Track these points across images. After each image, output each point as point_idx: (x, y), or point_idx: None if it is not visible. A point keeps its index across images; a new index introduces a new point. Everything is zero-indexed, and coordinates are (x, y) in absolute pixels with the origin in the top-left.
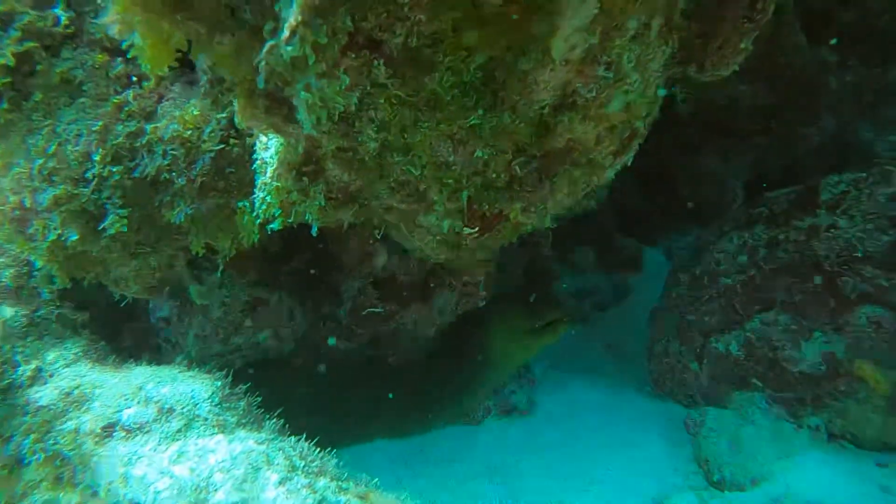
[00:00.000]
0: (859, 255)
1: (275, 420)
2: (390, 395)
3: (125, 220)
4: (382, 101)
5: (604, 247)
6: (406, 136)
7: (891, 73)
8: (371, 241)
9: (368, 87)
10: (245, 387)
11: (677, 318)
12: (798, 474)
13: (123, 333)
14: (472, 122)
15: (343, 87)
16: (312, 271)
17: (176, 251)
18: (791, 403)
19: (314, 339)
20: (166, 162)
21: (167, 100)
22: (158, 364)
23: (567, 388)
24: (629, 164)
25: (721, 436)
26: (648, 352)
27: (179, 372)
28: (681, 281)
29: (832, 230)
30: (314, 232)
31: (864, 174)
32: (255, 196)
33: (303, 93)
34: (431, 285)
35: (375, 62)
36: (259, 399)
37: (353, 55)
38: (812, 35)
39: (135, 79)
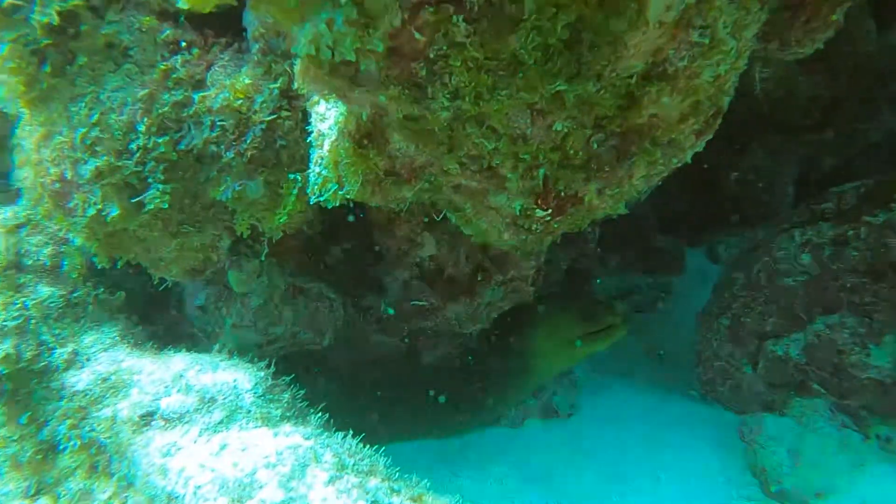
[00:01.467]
0: None
1: (320, 414)
2: (430, 394)
3: (167, 196)
4: (459, 63)
5: (645, 247)
6: (482, 104)
7: None
8: (419, 231)
9: (445, 48)
10: (289, 378)
11: (730, 320)
12: (870, 489)
13: (157, 322)
14: (556, 89)
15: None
16: (355, 261)
17: (220, 231)
18: (857, 412)
19: (355, 332)
20: (214, 134)
21: (217, 67)
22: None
23: (610, 392)
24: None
25: (780, 444)
26: (697, 355)
27: (221, 360)
28: (735, 281)
29: None
30: (361, 214)
31: None
32: (309, 171)
33: (378, 42)
34: (479, 278)
35: (454, 17)
36: (303, 392)
37: (431, 8)
38: (881, 19)
39: (184, 44)
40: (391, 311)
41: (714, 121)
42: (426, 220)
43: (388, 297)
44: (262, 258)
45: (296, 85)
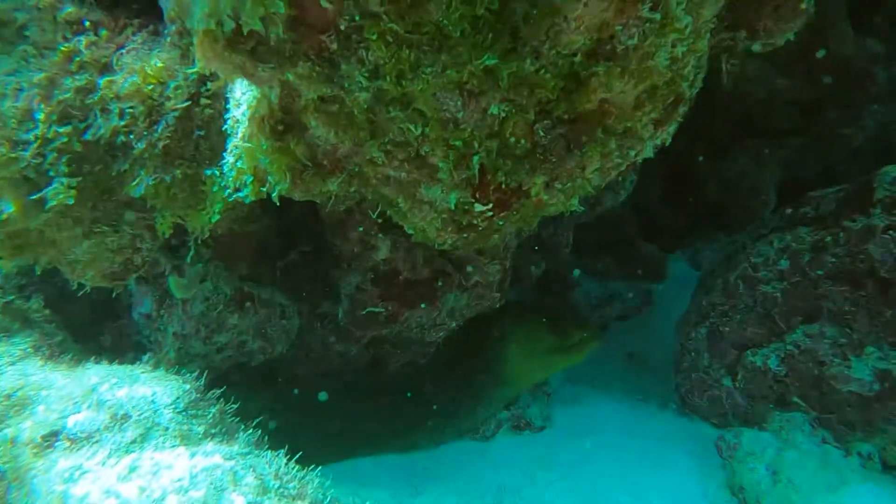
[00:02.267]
0: None
1: (251, 431)
2: (393, 406)
3: (73, 191)
4: (375, 37)
5: (625, 253)
6: (404, 83)
7: None
8: (373, 232)
9: (357, 17)
10: (219, 391)
11: (708, 329)
12: None
13: (105, 331)
14: (486, 64)
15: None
16: (313, 265)
17: (140, 231)
18: (837, 427)
19: (313, 340)
20: (123, 122)
21: (127, 51)
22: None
23: (585, 402)
24: (668, 142)
25: (759, 461)
26: (675, 365)
27: (142, 372)
28: (712, 288)
29: (890, 232)
30: (274, 200)
31: None
32: (224, 161)
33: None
34: (439, 283)
35: None
36: (236, 406)
37: None
38: (858, 23)
39: (88, 23)
40: (343, 318)
41: (674, 109)
42: (380, 220)
43: (342, 304)
44: (193, 261)
45: (198, 65)
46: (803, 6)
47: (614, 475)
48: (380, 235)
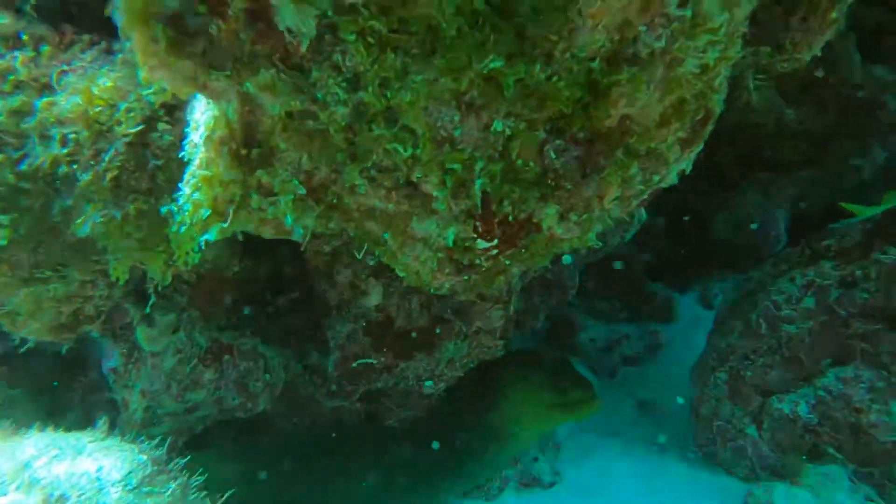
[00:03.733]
0: None
1: None
2: (389, 465)
3: (5, 230)
4: (352, 37)
5: (632, 293)
6: (390, 95)
7: None
8: (363, 276)
9: (329, 13)
10: (184, 461)
11: (727, 373)
12: None
13: (75, 387)
14: (489, 68)
15: None
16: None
17: (91, 276)
18: (881, 482)
19: (302, 394)
20: (65, 150)
21: (73, 69)
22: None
23: (597, 455)
24: (688, 170)
25: None
26: (693, 413)
27: (90, 441)
28: (731, 329)
29: None
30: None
31: None
32: (180, 193)
33: None
34: (437, 331)
35: None
36: (203, 478)
37: None
38: (865, 51)
39: (26, 37)
40: (333, 371)
41: (703, 128)
42: (372, 262)
43: (332, 355)
44: (174, 312)
45: (141, 76)
46: (834, 15)
47: None
48: (371, 279)
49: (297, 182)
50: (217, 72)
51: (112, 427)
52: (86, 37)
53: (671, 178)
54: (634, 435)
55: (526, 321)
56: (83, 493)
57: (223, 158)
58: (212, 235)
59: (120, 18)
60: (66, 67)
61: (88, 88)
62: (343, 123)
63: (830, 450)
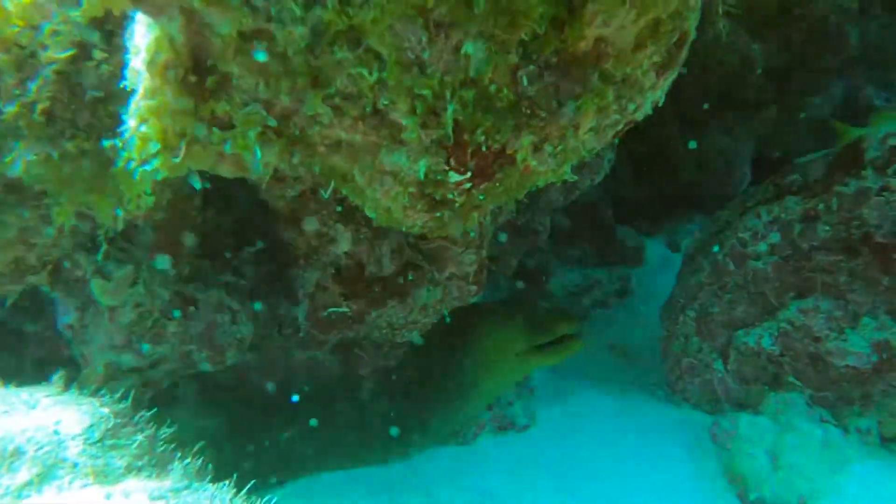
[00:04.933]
0: None
1: (190, 459)
2: (365, 414)
3: None
4: None
5: (602, 238)
6: (351, 12)
7: None
8: (331, 222)
9: None
10: (149, 413)
11: (696, 311)
12: (855, 490)
13: (29, 342)
14: None
15: None
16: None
17: (33, 222)
18: (835, 404)
19: (271, 346)
20: None
21: None
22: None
23: (571, 397)
24: (661, 102)
25: (757, 447)
26: (663, 351)
27: (46, 395)
28: (700, 267)
29: (885, 193)
30: (194, 180)
31: None
32: (124, 126)
33: None
34: (409, 278)
35: None
36: (171, 430)
37: None
38: None
39: None
40: (304, 321)
41: (678, 52)
42: (339, 209)
43: (301, 305)
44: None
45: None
46: None
47: (605, 472)
48: (339, 225)
49: (264, 112)
50: None
51: (71, 384)
52: None
53: (646, 108)
54: (606, 377)
55: (498, 267)
56: (41, 448)
57: (170, 85)
58: (163, 172)
59: None
60: None
61: (4, 7)
62: (302, 45)
63: (791, 378)
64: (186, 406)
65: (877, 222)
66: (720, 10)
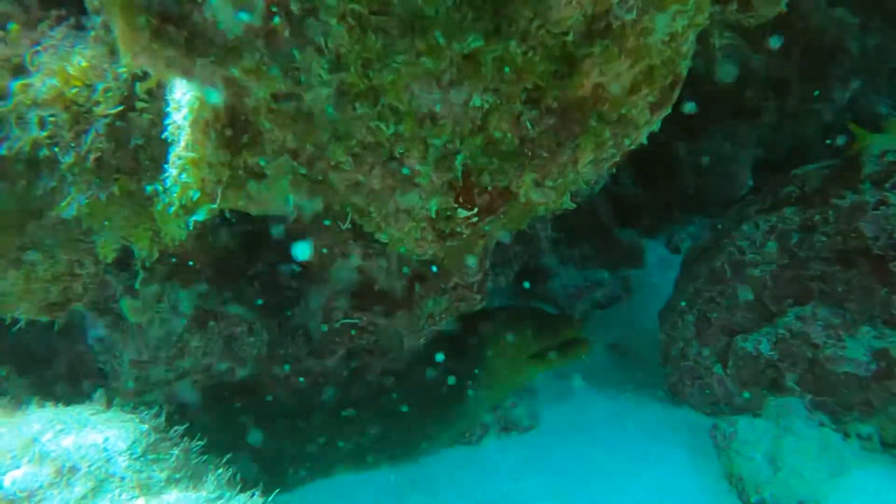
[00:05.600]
0: None
1: (222, 470)
2: (373, 417)
3: None
4: (335, 21)
5: (602, 239)
6: (372, 75)
7: None
8: (343, 239)
9: None
10: (182, 428)
11: (695, 316)
12: (856, 495)
13: (60, 357)
14: (470, 49)
15: None
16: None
17: (78, 256)
18: (834, 409)
19: (284, 355)
20: (45, 133)
21: (44, 48)
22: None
23: (572, 398)
24: (657, 128)
25: (757, 449)
26: (663, 354)
27: (92, 414)
28: (698, 274)
29: (881, 207)
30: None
31: None
32: (166, 175)
33: None
34: (417, 289)
35: None
36: (202, 443)
37: None
38: None
39: None
40: (323, 329)
41: (671, 91)
42: (349, 225)
43: (314, 317)
44: (156, 282)
45: (123, 63)
46: None
47: (606, 473)
48: (350, 242)
49: (294, 162)
50: (202, 58)
51: (113, 400)
52: (52, 12)
53: (641, 140)
54: (607, 377)
55: (501, 273)
56: (93, 463)
57: (210, 141)
58: (201, 216)
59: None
60: (37, 47)
61: (64, 69)
62: (327, 104)
63: (790, 383)
64: (208, 415)
65: (873, 234)
66: (717, 43)
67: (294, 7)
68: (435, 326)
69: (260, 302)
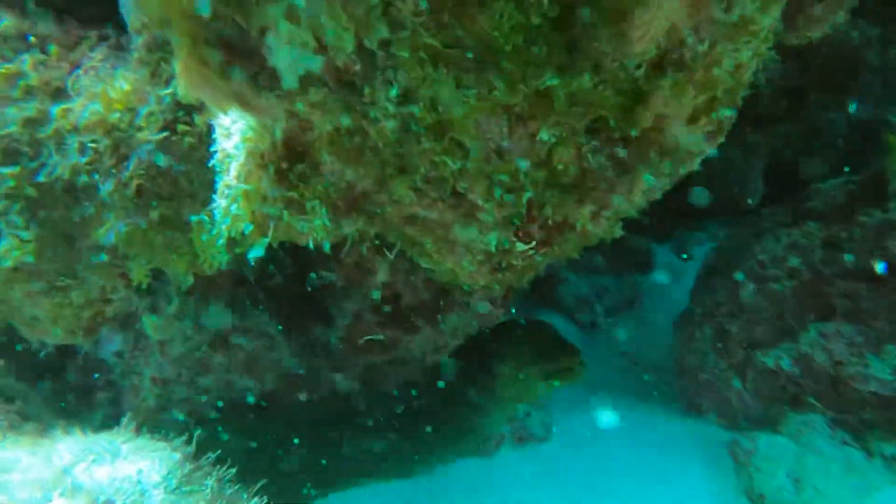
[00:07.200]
0: None
1: (257, 500)
2: (389, 430)
3: (31, 245)
4: (406, 54)
5: (610, 245)
6: (441, 109)
7: None
8: (370, 256)
9: (385, 33)
10: (214, 455)
11: (713, 328)
12: None
13: (69, 369)
14: (546, 85)
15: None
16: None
17: (111, 281)
18: (857, 427)
19: (305, 369)
20: (85, 159)
21: (84, 70)
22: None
23: (586, 408)
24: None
25: (779, 466)
26: (678, 365)
27: (123, 442)
28: (717, 286)
29: None
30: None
31: None
32: (214, 205)
33: (282, 22)
34: (442, 304)
35: None
36: (233, 471)
37: None
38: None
39: (33, 39)
40: (338, 346)
41: (728, 121)
42: (377, 242)
43: (337, 331)
44: (175, 304)
45: (180, 93)
46: None
47: (622, 487)
48: (377, 258)
49: (333, 190)
50: (269, 93)
51: (118, 409)
52: (92, 33)
53: (695, 167)
54: (619, 386)
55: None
56: (129, 496)
57: (266, 173)
58: (260, 251)
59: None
60: (77, 70)
61: (106, 93)
62: (392, 138)
63: (811, 399)
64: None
65: None
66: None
67: (367, 42)
68: (457, 340)
69: (281, 318)
